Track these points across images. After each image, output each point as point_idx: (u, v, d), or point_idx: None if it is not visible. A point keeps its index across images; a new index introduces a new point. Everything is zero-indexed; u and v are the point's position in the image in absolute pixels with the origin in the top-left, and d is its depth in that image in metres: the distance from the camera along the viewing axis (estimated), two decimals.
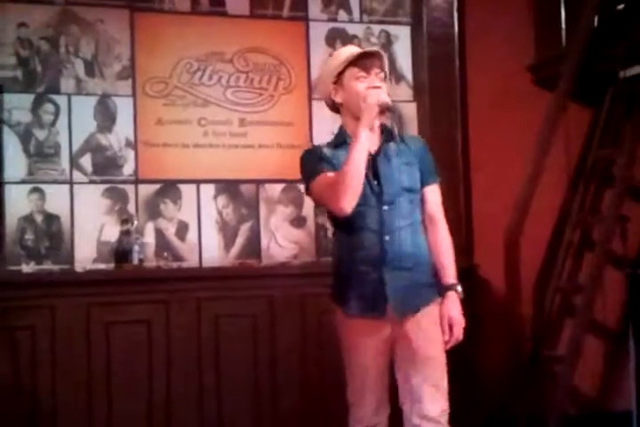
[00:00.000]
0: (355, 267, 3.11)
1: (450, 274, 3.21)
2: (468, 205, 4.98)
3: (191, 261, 4.64)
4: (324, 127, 4.66)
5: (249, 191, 4.78)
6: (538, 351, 4.98)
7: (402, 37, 5.13)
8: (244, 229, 4.75)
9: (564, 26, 5.14)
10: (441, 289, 3.19)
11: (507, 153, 5.03)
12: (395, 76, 5.06)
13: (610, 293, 4.95)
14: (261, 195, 4.80)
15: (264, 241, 4.77)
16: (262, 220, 4.78)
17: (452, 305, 3.18)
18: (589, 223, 5.17)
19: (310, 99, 4.90)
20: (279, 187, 4.80)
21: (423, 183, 3.22)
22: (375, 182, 3.11)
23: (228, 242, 4.72)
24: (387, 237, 3.08)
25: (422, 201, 3.22)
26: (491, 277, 4.92)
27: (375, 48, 3.31)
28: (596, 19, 4.99)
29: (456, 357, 4.66)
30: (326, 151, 3.16)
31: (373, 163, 3.12)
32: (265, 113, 4.85)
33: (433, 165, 3.30)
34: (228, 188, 4.74)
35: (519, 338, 4.68)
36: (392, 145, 3.17)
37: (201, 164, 4.72)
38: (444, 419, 3.14)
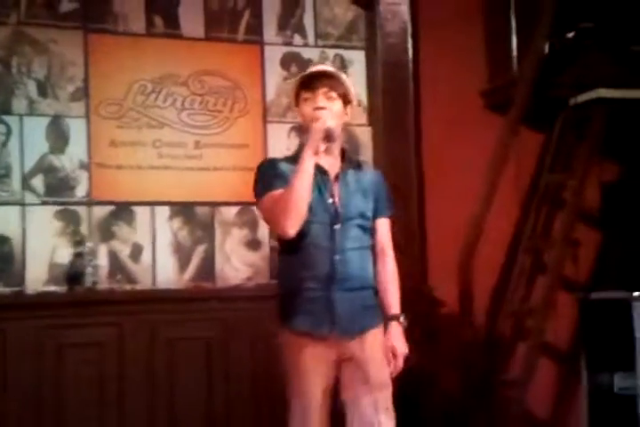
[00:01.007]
0: (303, 284, 3.08)
1: (394, 304, 3.24)
2: (422, 229, 4.99)
3: (145, 283, 4.58)
4: (280, 149, 4.70)
5: (204, 214, 4.75)
6: (490, 375, 5.00)
7: (356, 62, 5.16)
8: (199, 251, 4.72)
9: (515, 52, 5.22)
10: (385, 319, 3.21)
11: (460, 177, 5.06)
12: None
13: (562, 316, 5.01)
14: (216, 217, 4.77)
15: (218, 263, 4.74)
16: (217, 242, 4.75)
17: (396, 335, 3.20)
18: (541, 247, 5.22)
19: (265, 121, 4.90)
20: (234, 209, 4.78)
21: (376, 214, 3.25)
22: (331, 201, 3.12)
23: (183, 264, 4.68)
24: (337, 257, 3.08)
25: (373, 231, 3.24)
26: (445, 300, 4.93)
27: (323, 68, 3.30)
28: (546, 46, 5.07)
29: (407, 380, 4.74)
30: (283, 166, 3.15)
31: (331, 183, 3.14)
32: (220, 135, 4.84)
33: (388, 200, 3.34)
34: (183, 210, 4.71)
35: (472, 361, 4.67)
36: (351, 171, 3.21)
37: (156, 186, 4.68)
38: None
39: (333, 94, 3.13)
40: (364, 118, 5.13)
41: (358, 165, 3.26)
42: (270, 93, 4.93)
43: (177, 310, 4.39)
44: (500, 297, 5.17)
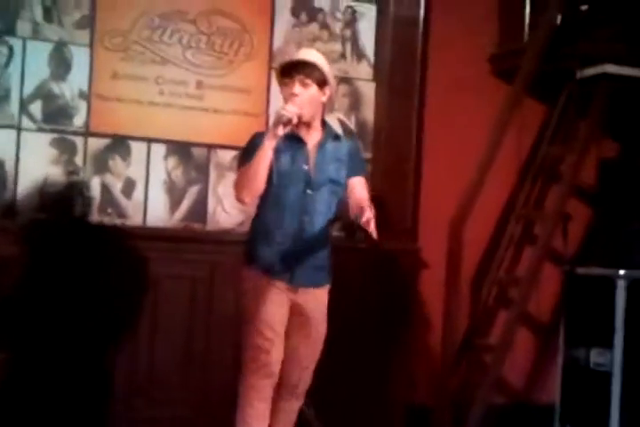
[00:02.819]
0: (274, 238, 3.47)
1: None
2: (416, 189, 4.97)
3: (135, 219, 4.53)
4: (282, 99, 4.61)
5: (200, 155, 4.69)
6: (470, 339, 5.01)
7: (367, 16, 5.07)
8: (192, 192, 4.66)
9: (527, 20, 5.18)
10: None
11: (460, 140, 5.04)
12: (356, 53, 5.03)
13: (545, 288, 5.02)
14: (212, 159, 4.71)
15: (211, 206, 4.68)
16: (211, 184, 4.69)
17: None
18: (532, 218, 5.22)
19: (270, 68, 4.81)
20: (231, 153, 4.70)
21: (350, 175, 3.57)
22: (305, 168, 3.48)
23: (175, 204, 4.62)
24: (306, 218, 3.47)
25: (349, 189, 3.56)
26: (432, 262, 4.93)
27: (303, 57, 3.53)
28: (559, 17, 5.03)
29: (389, 339, 4.76)
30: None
31: (307, 152, 3.50)
32: (223, 78, 4.76)
33: (363, 163, 3.74)
34: (180, 149, 4.64)
35: (454, 324, 4.67)
36: (330, 141, 3.56)
37: (154, 122, 4.60)
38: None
39: (308, 81, 3.46)
40: (369, 73, 5.06)
41: (337, 137, 3.62)
42: (278, 40, 4.85)
43: (165, 249, 4.37)
44: (487, 264, 5.18)
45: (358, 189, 3.55)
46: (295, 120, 3.35)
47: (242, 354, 3.45)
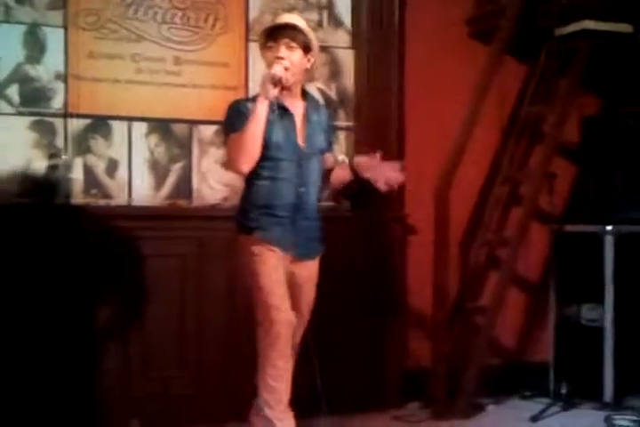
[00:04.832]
0: (273, 210, 3.50)
1: None
2: (400, 156, 4.95)
3: (120, 199, 4.52)
4: (260, 68, 4.55)
5: (181, 131, 4.66)
6: (462, 302, 5.04)
7: None
8: (176, 169, 4.64)
9: None
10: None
11: (442, 104, 5.02)
12: (333, 21, 5.00)
13: (534, 247, 5.05)
14: (194, 135, 4.69)
15: (195, 182, 4.67)
16: (194, 160, 4.68)
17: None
18: (518, 178, 5.22)
19: (247, 40, 4.78)
20: (212, 128, 4.69)
21: (328, 148, 3.72)
22: (298, 140, 3.53)
23: (159, 182, 4.60)
24: (302, 189, 3.53)
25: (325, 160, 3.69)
26: (420, 228, 4.94)
27: (287, 20, 3.59)
28: None
29: (381, 305, 4.79)
30: (249, 107, 3.45)
31: (296, 124, 3.54)
32: (200, 52, 4.71)
33: (332, 136, 3.91)
34: (161, 126, 4.62)
35: (444, 288, 4.70)
36: (313, 111, 3.62)
37: (133, 101, 4.57)
38: None
39: (294, 44, 3.51)
40: (347, 41, 5.03)
41: (317, 105, 3.70)
42: (254, 11, 4.81)
43: (152, 228, 4.36)
44: (475, 227, 5.20)
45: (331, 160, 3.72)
46: (285, 79, 3.40)
47: (256, 316, 3.47)
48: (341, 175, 3.71)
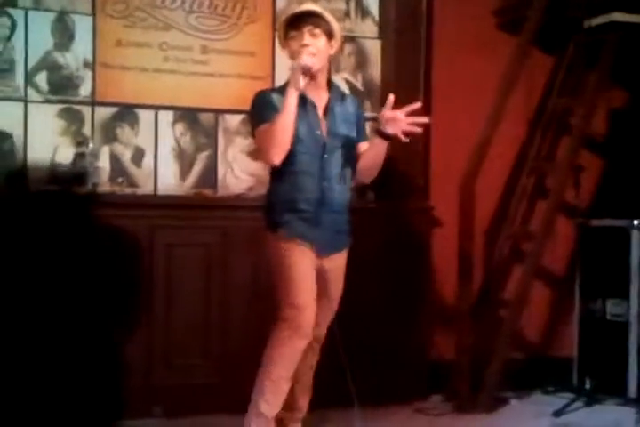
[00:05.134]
0: (297, 205, 3.46)
1: None
2: (426, 148, 4.95)
3: (146, 188, 4.53)
4: (287, 59, 4.56)
5: (208, 120, 4.66)
6: (486, 295, 5.02)
7: None
8: (202, 158, 4.64)
9: None
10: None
11: (469, 96, 4.99)
12: (360, 11, 4.98)
13: (559, 241, 5.02)
14: (220, 125, 4.69)
15: (221, 171, 4.67)
16: (220, 150, 4.67)
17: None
18: (544, 171, 5.19)
19: (274, 30, 4.75)
20: (238, 118, 4.68)
21: (359, 140, 3.63)
22: (319, 133, 3.49)
23: (185, 171, 4.61)
24: (325, 183, 3.48)
25: (358, 152, 3.62)
26: (445, 220, 4.92)
27: (308, 7, 3.54)
28: None
29: (405, 297, 4.76)
30: (276, 98, 3.45)
31: (319, 116, 3.50)
32: (227, 41, 4.71)
33: (365, 126, 3.78)
34: (187, 115, 4.62)
35: (469, 281, 4.68)
36: (338, 102, 3.58)
37: (160, 89, 4.57)
38: None
39: (317, 31, 3.47)
40: (374, 31, 5.01)
41: (342, 96, 3.65)
42: (281, 0, 4.80)
43: (177, 217, 4.38)
44: (500, 219, 5.17)
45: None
46: (314, 67, 3.37)
47: (276, 314, 3.45)
48: (374, 148, 3.56)
